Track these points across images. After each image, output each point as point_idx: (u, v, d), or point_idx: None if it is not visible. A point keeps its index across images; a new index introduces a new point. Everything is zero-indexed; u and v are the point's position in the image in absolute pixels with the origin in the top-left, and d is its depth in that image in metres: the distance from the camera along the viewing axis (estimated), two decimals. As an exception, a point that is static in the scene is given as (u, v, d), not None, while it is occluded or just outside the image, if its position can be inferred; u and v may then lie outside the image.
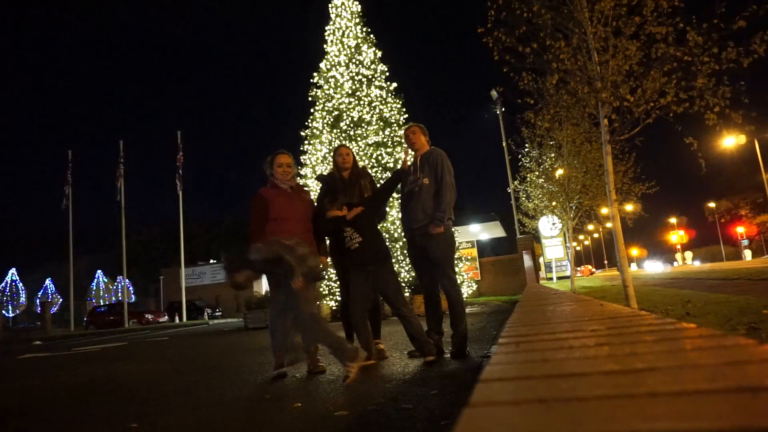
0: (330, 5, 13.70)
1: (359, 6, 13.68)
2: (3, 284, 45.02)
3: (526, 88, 5.93)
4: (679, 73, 4.74)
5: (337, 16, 13.55)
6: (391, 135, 12.46)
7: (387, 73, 13.29)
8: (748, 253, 51.71)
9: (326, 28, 13.56)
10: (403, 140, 12.38)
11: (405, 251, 11.43)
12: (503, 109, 20.48)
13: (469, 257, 18.01)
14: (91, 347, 9.96)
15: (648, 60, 4.93)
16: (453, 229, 4.09)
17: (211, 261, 40.84)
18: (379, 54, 13.38)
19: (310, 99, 13.25)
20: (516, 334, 1.83)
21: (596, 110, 5.36)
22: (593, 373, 1.01)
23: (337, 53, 13.16)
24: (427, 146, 4.21)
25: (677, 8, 4.73)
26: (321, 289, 11.15)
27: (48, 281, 49.31)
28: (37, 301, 42.59)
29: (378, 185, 4.51)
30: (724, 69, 4.58)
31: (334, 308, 11.15)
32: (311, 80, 13.35)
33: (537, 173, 12.62)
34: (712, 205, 65.41)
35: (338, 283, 4.49)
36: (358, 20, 13.52)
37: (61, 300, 45.73)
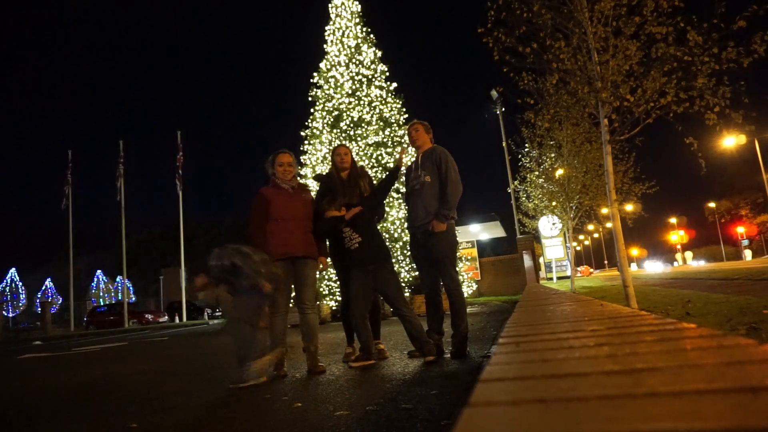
0: (330, 5, 13.70)
1: (359, 6, 13.68)
2: (3, 284, 45.03)
3: (526, 88, 5.93)
4: (679, 73, 4.74)
5: (337, 16, 13.56)
6: (391, 135, 12.46)
7: (387, 73, 13.31)
8: (748, 253, 51.73)
9: (326, 28, 13.57)
10: (403, 140, 12.45)
11: (405, 251, 11.43)
12: (503, 109, 20.48)
13: (469, 257, 18.01)
14: (91, 347, 9.96)
15: (648, 60, 4.93)
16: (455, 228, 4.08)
17: (211, 261, 40.74)
18: (379, 54, 13.39)
19: (310, 99, 13.26)
20: (516, 334, 1.83)
21: (596, 110, 5.36)
22: (593, 373, 1.01)
23: (337, 53, 13.17)
24: (429, 143, 4.18)
25: (677, 8, 4.73)
26: (321, 289, 11.16)
27: (48, 281, 49.33)
28: (37, 301, 42.60)
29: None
30: (724, 69, 4.58)
31: (334, 308, 11.15)
32: (311, 80, 13.37)
33: (537, 173, 12.63)
34: (712, 205, 65.45)
35: (338, 283, 4.49)
36: (358, 20, 13.52)
37: (61, 300, 45.73)
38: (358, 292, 3.84)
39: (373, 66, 13.18)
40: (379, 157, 12.10)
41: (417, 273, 11.13)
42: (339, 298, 8.14)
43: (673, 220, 73.73)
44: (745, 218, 61.34)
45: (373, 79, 13.04)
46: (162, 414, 2.72)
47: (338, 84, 12.87)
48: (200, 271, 3.49)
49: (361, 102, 12.57)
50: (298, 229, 3.82)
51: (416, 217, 3.98)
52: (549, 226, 17.49)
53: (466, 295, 13.43)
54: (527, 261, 17.33)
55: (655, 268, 53.98)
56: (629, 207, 11.64)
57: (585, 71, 5.21)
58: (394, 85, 13.16)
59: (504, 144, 20.06)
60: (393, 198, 11.83)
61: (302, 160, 12.66)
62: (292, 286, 3.91)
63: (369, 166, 11.88)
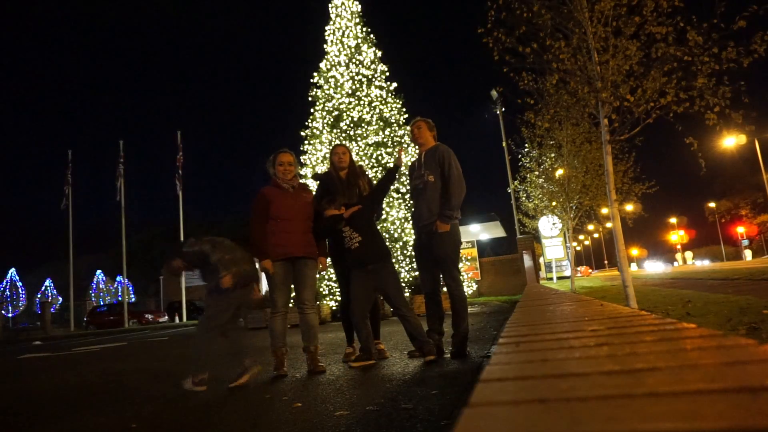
0: (330, 5, 13.70)
1: (359, 6, 13.68)
2: (3, 284, 45.01)
3: (526, 88, 5.93)
4: (679, 73, 4.74)
5: (337, 16, 13.55)
6: (391, 135, 12.47)
7: (387, 73, 13.31)
8: (748, 253, 51.72)
9: (326, 28, 13.57)
10: (402, 140, 12.46)
11: (405, 251, 11.43)
12: (503, 109, 20.48)
13: (469, 257, 18.02)
14: (91, 347, 9.96)
15: (648, 60, 4.93)
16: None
17: (211, 261, 40.73)
18: (379, 54, 13.39)
19: (310, 99, 13.26)
20: (516, 334, 1.83)
21: (596, 110, 5.36)
22: (593, 373, 1.01)
23: (337, 53, 13.17)
24: (432, 141, 4.14)
25: (677, 8, 4.73)
26: (321, 289, 11.16)
27: (48, 281, 49.31)
28: (37, 301, 42.59)
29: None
30: (724, 69, 4.58)
31: (334, 308, 11.14)
32: (311, 80, 13.37)
33: (537, 173, 12.62)
34: (712, 205, 65.44)
35: (338, 283, 4.49)
36: (358, 20, 13.52)
37: (60, 300, 45.72)
38: (359, 291, 3.84)
39: (373, 66, 13.18)
40: (379, 157, 12.10)
41: (417, 273, 11.16)
42: (339, 298, 8.15)
43: (673, 220, 73.77)
44: (745, 218, 61.33)
45: (373, 79, 13.04)
46: (162, 414, 2.72)
47: (338, 84, 12.87)
48: (176, 256, 3.51)
49: (361, 102, 12.57)
50: (298, 229, 3.82)
51: (420, 217, 3.97)
52: (549, 226, 17.48)
53: (466, 295, 13.46)
54: (527, 261, 17.33)
55: (655, 268, 53.95)
56: (629, 207, 11.64)
57: (585, 71, 5.21)
58: (394, 85, 13.17)
59: (504, 144, 20.06)
60: (393, 198, 11.83)
61: (302, 160, 12.65)
62: (292, 286, 3.91)
63: (369, 166, 11.88)
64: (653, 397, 0.76)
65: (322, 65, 13.29)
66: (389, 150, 12.25)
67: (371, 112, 12.53)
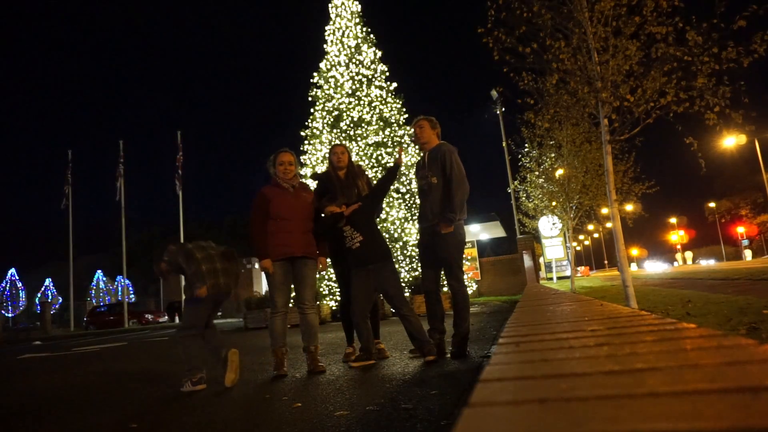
0: (330, 5, 13.70)
1: (359, 6, 13.68)
2: (3, 284, 44.99)
3: (526, 88, 5.93)
4: (679, 73, 4.74)
5: (337, 16, 13.56)
6: (391, 135, 12.47)
7: (387, 73, 13.31)
8: (748, 253, 51.72)
9: (326, 28, 13.57)
10: (402, 140, 12.46)
11: (405, 251, 11.43)
12: (503, 109, 20.48)
13: (469, 257, 18.02)
14: (91, 347, 9.96)
15: (648, 60, 4.93)
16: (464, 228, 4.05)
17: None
18: (379, 54, 13.39)
19: (310, 99, 13.26)
20: (516, 334, 1.83)
21: (596, 110, 5.37)
22: (593, 373, 1.01)
23: (337, 53, 13.17)
24: (435, 140, 4.10)
25: (677, 8, 4.73)
26: (321, 289, 11.16)
27: (48, 281, 49.28)
28: (37, 301, 42.58)
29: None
30: (724, 69, 4.58)
31: (334, 308, 11.14)
32: (311, 80, 13.37)
33: (537, 173, 12.62)
34: (712, 205, 65.44)
35: (338, 283, 4.49)
36: (358, 20, 13.52)
37: (60, 300, 45.71)
38: (359, 291, 3.84)
39: (373, 66, 13.18)
40: (379, 157, 12.10)
41: (416, 273, 11.17)
42: (339, 298, 8.14)
43: (673, 220, 73.77)
44: (745, 218, 61.34)
45: (373, 79, 13.04)
46: (162, 414, 2.72)
47: (338, 84, 12.87)
48: (161, 259, 3.59)
49: (361, 102, 12.58)
50: (297, 229, 3.82)
51: (424, 218, 3.98)
52: (549, 226, 17.48)
53: (468, 295, 13.45)
54: (527, 261, 17.33)
55: (655, 267, 53.94)
56: (629, 207, 11.64)
57: (585, 71, 5.21)
58: (394, 85, 13.17)
59: (504, 144, 20.06)
60: (393, 198, 11.83)
61: (302, 160, 12.65)
62: (292, 286, 3.91)
63: (369, 166, 11.88)
64: (653, 397, 0.76)
65: (322, 65, 13.30)
66: (389, 150, 12.25)
67: (371, 112, 12.53)
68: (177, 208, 24.80)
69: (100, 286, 50.37)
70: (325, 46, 13.50)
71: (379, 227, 4.21)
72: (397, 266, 10.82)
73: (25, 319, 47.01)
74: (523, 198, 14.11)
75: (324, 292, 11.22)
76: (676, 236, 69.80)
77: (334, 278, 10.41)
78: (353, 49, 13.21)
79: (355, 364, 3.77)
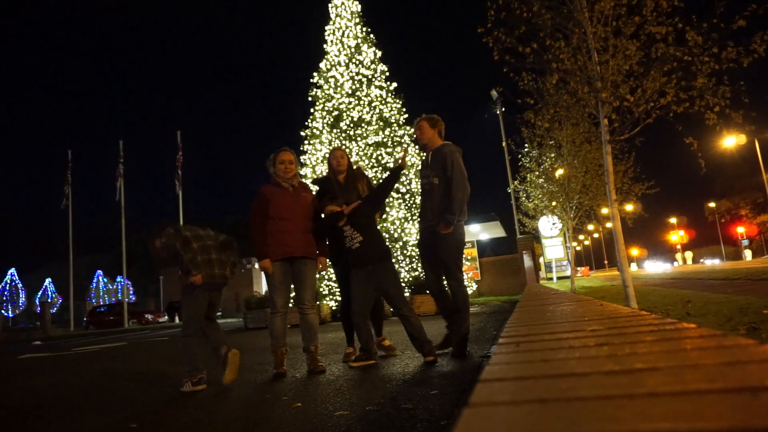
0: (330, 5, 13.70)
1: (359, 6, 13.68)
2: (3, 284, 44.99)
3: (526, 88, 5.93)
4: (679, 73, 4.74)
5: (337, 16, 13.56)
6: (391, 135, 12.47)
7: (387, 73, 13.31)
8: (748, 253, 51.71)
9: (326, 28, 13.57)
10: (402, 140, 12.46)
11: (405, 251, 11.43)
12: (503, 109, 20.48)
13: (469, 257, 18.02)
14: (91, 347, 9.96)
15: (648, 60, 4.93)
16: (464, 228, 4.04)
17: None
18: (379, 54, 13.39)
19: (310, 99, 13.26)
20: (516, 334, 1.83)
21: (596, 110, 5.37)
22: (593, 373, 1.01)
23: (337, 53, 13.17)
24: (438, 140, 4.05)
25: (677, 8, 4.73)
26: (321, 289, 11.16)
27: (48, 281, 49.29)
28: (37, 301, 42.58)
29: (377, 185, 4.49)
30: (724, 69, 4.58)
31: (334, 308, 11.14)
32: (311, 80, 13.37)
33: (537, 173, 12.62)
34: (712, 205, 65.44)
35: (338, 283, 4.49)
36: (358, 20, 13.52)
37: (60, 300, 45.71)
38: (359, 291, 3.84)
39: (373, 66, 13.18)
40: (379, 157, 12.10)
41: (416, 273, 11.17)
42: (339, 298, 8.14)
43: (673, 220, 73.75)
44: (745, 218, 61.33)
45: (373, 79, 13.04)
46: (162, 414, 2.72)
47: (338, 84, 12.87)
48: (158, 237, 3.59)
49: (361, 102, 12.58)
50: (297, 229, 3.82)
51: (424, 218, 3.99)
52: (549, 226, 17.47)
53: (468, 295, 13.44)
54: (527, 261, 17.33)
55: (655, 267, 53.89)
56: (629, 207, 11.64)
57: (585, 71, 5.21)
58: (394, 85, 13.16)
59: (504, 144, 20.06)
60: (393, 198, 11.83)
61: (302, 160, 12.66)
62: (292, 286, 3.90)
63: (369, 166, 11.88)
64: (653, 397, 0.76)
65: (322, 65, 13.30)
66: (389, 150, 12.25)
67: (371, 112, 12.53)
68: (177, 208, 24.80)
69: (100, 286, 50.38)
70: (325, 46, 13.50)
71: (379, 227, 4.20)
72: (397, 266, 10.82)
73: (25, 319, 47.01)
74: (523, 198, 14.11)
75: (324, 292, 11.22)
76: (676, 236, 69.79)
77: (334, 278, 10.44)
78: (353, 49, 13.21)
79: (354, 364, 3.77)
